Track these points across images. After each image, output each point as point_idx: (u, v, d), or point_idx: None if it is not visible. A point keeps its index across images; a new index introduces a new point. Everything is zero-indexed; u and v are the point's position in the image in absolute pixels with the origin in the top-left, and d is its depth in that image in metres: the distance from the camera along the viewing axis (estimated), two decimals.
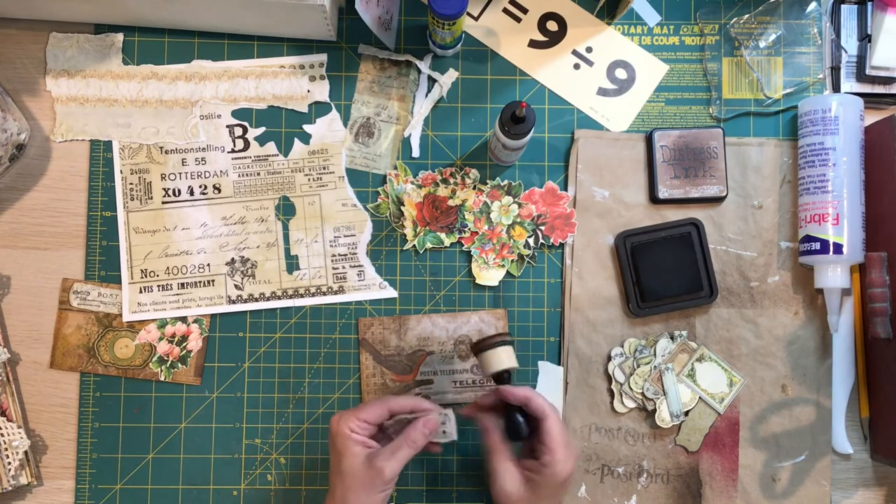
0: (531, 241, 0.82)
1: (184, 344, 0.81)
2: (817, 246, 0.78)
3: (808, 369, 0.82)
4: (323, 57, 0.83)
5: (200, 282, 0.82)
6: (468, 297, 0.82)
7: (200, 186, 0.82)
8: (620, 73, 0.84)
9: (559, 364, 0.82)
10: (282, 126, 0.83)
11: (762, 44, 0.84)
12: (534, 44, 0.84)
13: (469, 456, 0.82)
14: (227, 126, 0.83)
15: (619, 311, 0.82)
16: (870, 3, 0.83)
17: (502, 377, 0.71)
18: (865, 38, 0.83)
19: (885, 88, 0.83)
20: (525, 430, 0.70)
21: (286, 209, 0.82)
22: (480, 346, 0.71)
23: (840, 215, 0.77)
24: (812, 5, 0.83)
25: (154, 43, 0.83)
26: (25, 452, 0.79)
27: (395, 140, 0.83)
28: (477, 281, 0.82)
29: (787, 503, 0.81)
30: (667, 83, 0.84)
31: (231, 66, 0.83)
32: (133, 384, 0.81)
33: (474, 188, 0.82)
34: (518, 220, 0.82)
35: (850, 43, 0.83)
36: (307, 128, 0.83)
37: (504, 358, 0.70)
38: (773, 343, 0.82)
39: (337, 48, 0.83)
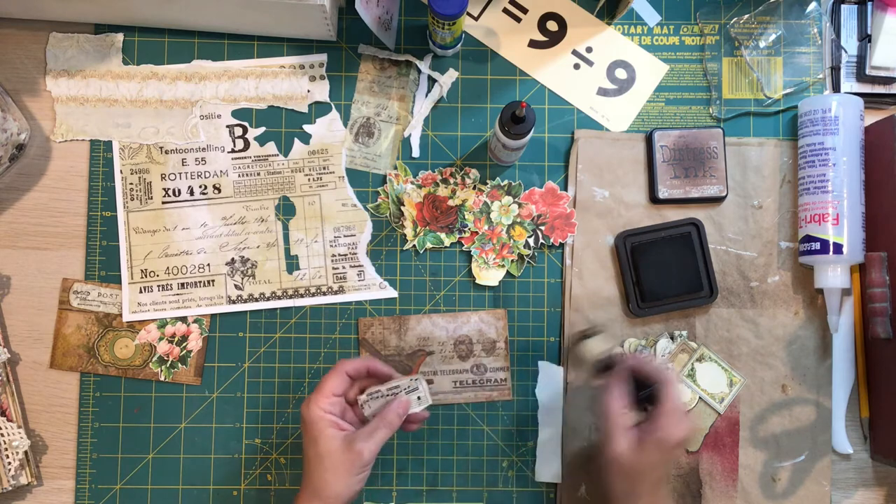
0: (531, 241, 0.82)
1: (184, 344, 0.81)
2: (817, 246, 0.78)
3: (808, 369, 0.82)
4: (323, 57, 0.83)
5: (200, 282, 0.82)
6: (468, 297, 0.82)
7: (200, 186, 0.82)
8: (620, 73, 0.84)
9: (559, 364, 0.82)
10: (282, 126, 0.83)
11: (762, 44, 0.84)
12: (534, 44, 0.84)
13: (469, 456, 0.82)
14: (227, 126, 0.83)
15: (619, 311, 0.82)
16: (870, 3, 0.83)
17: (604, 365, 0.73)
18: (865, 38, 0.83)
19: (885, 88, 0.83)
20: (656, 397, 0.69)
21: (286, 209, 0.82)
22: (575, 340, 0.78)
23: (840, 215, 0.77)
24: (812, 5, 0.83)
25: (154, 43, 0.83)
26: (25, 452, 0.79)
27: (395, 140, 0.83)
28: (477, 281, 0.82)
29: (787, 503, 0.81)
30: (667, 83, 0.84)
31: (231, 66, 0.83)
32: (133, 384, 0.81)
33: (474, 188, 0.82)
34: (518, 220, 0.82)
35: (850, 43, 0.83)
36: (307, 128, 0.83)
37: (595, 346, 0.75)
38: (773, 343, 0.82)
39: (337, 48, 0.83)
